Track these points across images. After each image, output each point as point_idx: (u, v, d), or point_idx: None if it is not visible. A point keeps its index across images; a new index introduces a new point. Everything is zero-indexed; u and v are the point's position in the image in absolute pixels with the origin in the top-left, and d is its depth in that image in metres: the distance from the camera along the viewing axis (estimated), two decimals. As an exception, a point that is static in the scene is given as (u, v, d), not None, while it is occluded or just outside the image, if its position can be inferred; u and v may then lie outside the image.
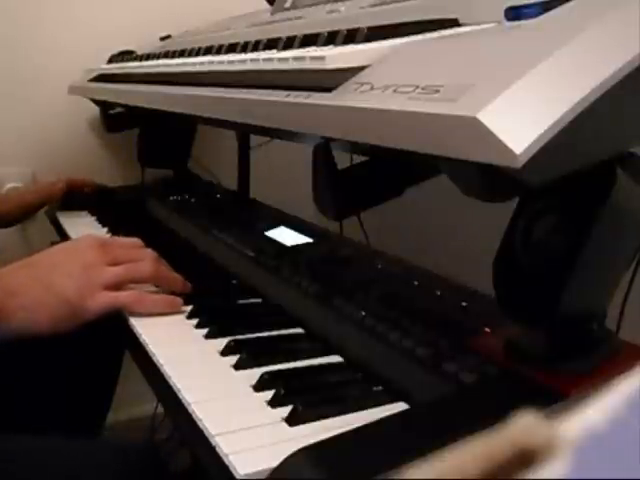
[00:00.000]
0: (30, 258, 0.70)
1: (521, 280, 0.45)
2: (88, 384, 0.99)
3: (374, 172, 0.58)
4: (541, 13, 0.40)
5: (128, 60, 1.16)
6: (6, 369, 0.87)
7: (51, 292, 0.65)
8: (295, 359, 0.57)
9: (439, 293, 0.63)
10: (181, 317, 0.67)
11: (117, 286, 0.67)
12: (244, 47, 0.67)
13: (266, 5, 1.03)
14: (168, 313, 0.67)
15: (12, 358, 0.87)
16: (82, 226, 1.09)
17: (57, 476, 0.58)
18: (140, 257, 0.70)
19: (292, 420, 0.46)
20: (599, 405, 0.14)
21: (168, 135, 1.36)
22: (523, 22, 0.41)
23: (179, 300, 0.68)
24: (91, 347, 0.95)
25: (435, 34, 0.48)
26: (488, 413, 0.27)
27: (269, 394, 0.50)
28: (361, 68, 0.45)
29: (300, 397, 0.49)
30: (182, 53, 0.88)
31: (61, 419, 0.91)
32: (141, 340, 0.62)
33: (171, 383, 0.53)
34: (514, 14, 0.44)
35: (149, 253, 0.72)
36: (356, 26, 0.51)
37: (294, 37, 0.57)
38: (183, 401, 0.50)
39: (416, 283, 0.67)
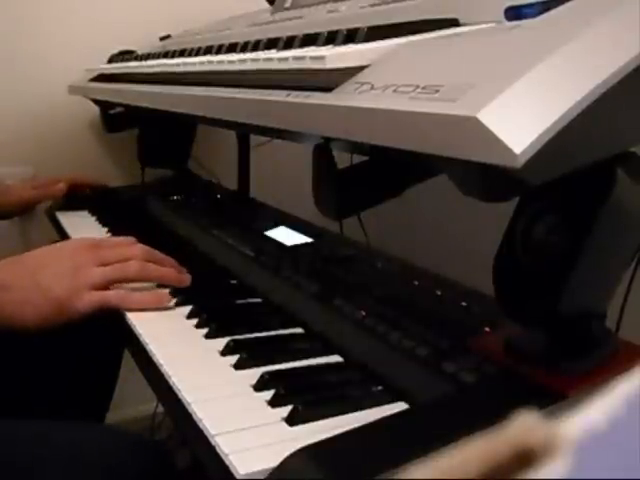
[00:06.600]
0: (21, 255, 0.72)
1: (521, 280, 0.45)
2: (87, 383, 0.99)
3: (374, 172, 0.58)
4: (541, 13, 0.40)
5: (128, 60, 1.16)
6: (5, 369, 0.87)
7: (40, 290, 0.66)
8: (295, 359, 0.57)
9: (439, 293, 0.63)
10: (181, 317, 0.67)
11: (105, 286, 0.69)
12: (244, 47, 0.67)
13: (266, 5, 1.03)
14: (170, 315, 0.67)
15: (9, 358, 0.87)
16: (82, 226, 1.09)
17: (60, 458, 0.59)
18: (128, 257, 0.71)
19: (292, 420, 0.46)
20: (599, 405, 0.14)
21: (168, 135, 1.36)
22: (523, 22, 0.41)
23: (166, 295, 0.69)
24: (90, 345, 0.96)
25: (435, 34, 0.48)
26: (488, 413, 0.27)
27: (269, 394, 0.50)
28: (361, 68, 0.45)
29: (300, 397, 0.49)
30: (182, 53, 0.88)
31: (59, 418, 0.90)
32: (141, 340, 0.62)
33: (171, 383, 0.53)
34: (514, 14, 0.44)
35: (138, 250, 0.73)
36: (356, 26, 0.51)
37: (294, 37, 0.57)
38: (183, 401, 0.50)
39: (416, 283, 0.66)
